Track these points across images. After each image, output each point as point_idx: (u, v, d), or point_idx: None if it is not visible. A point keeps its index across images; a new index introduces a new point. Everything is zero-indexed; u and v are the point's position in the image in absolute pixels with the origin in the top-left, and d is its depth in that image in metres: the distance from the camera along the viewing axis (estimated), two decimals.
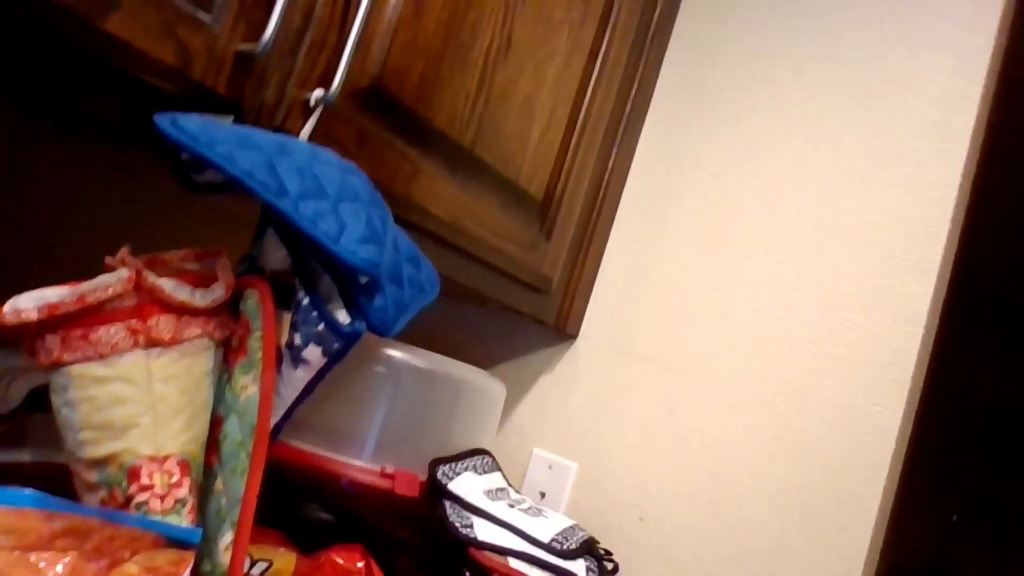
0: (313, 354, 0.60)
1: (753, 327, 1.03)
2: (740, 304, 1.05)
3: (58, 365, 0.54)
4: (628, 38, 1.09)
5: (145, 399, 0.56)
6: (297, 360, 0.61)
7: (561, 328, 1.13)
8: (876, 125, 1.02)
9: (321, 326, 0.59)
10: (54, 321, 0.54)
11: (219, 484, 0.61)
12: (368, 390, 0.88)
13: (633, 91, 1.14)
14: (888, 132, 1.01)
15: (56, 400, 0.56)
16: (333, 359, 0.60)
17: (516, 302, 1.05)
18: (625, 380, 1.10)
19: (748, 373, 1.02)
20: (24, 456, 0.70)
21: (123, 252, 0.56)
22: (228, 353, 0.63)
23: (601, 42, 1.04)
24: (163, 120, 0.50)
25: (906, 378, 0.93)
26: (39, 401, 0.78)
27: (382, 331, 0.61)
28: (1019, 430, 2.44)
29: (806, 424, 0.97)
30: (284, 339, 0.61)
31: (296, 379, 0.61)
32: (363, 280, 0.61)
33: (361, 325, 0.60)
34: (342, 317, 0.60)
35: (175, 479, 0.57)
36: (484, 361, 1.21)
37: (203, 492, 0.61)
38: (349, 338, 0.59)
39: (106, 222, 1.00)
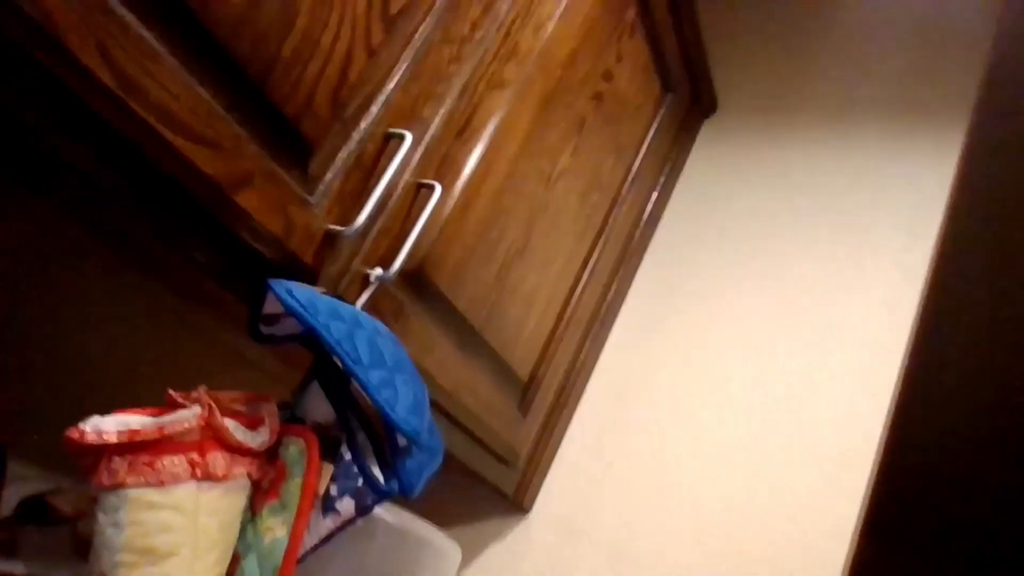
0: (346, 506, 0.65)
1: (700, 522, 1.12)
2: (688, 499, 1.14)
3: (118, 487, 0.58)
4: (615, 250, 1.25)
5: (190, 529, 0.60)
6: (328, 509, 0.66)
7: (518, 501, 1.19)
8: (818, 360, 1.18)
9: (360, 482, 0.65)
10: (127, 446, 0.58)
11: None
12: (338, 542, 0.91)
13: (610, 295, 1.29)
14: (825, 368, 1.17)
15: (103, 520, 0.59)
16: (361, 513, 0.66)
17: (483, 470, 1.11)
18: (574, 560, 1.16)
19: (692, 564, 1.10)
20: (18, 568, 0.70)
21: (201, 390, 0.62)
22: (256, 494, 0.68)
23: (593, 252, 1.20)
24: (280, 289, 0.59)
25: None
26: (30, 513, 0.80)
27: (409, 492, 0.68)
28: None
29: None
30: (322, 489, 0.66)
31: (322, 527, 0.66)
32: (402, 443, 0.68)
33: (395, 484, 0.66)
34: (377, 474, 0.66)
35: None
36: (439, 519, 1.25)
37: None
38: (384, 495, 0.65)
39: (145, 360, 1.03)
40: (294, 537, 0.63)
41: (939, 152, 1.28)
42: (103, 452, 0.59)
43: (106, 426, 0.58)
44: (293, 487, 0.65)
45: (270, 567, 0.63)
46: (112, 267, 0.94)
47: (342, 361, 0.60)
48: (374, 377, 0.63)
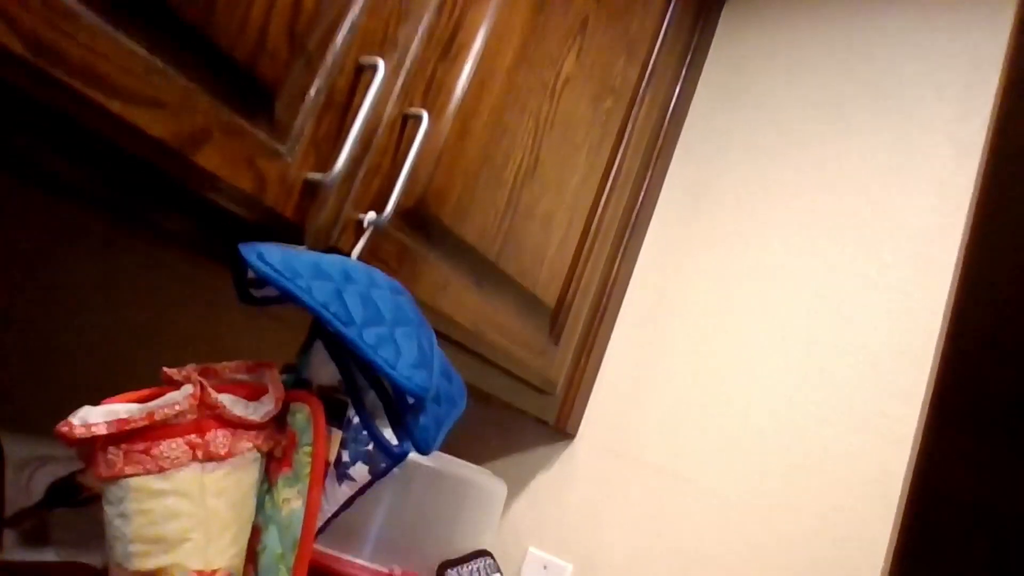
0: (360, 472, 0.62)
1: (748, 439, 1.07)
2: (735, 415, 1.09)
3: (118, 478, 0.56)
4: (638, 157, 1.16)
5: (198, 513, 0.57)
6: (343, 476, 0.63)
7: (561, 428, 1.16)
8: (866, 252, 1.09)
9: (371, 445, 0.62)
10: (120, 435, 0.55)
11: None
12: (377, 489, 0.89)
13: (638, 205, 1.21)
14: (877, 259, 1.09)
15: (110, 511, 0.57)
16: (377, 477, 0.63)
17: (521, 402, 1.08)
18: (622, 482, 1.13)
19: (742, 483, 1.06)
20: (48, 555, 0.70)
21: (189, 369, 0.58)
22: (270, 463, 0.65)
23: (614, 161, 1.11)
24: (250, 253, 0.54)
25: (893, 496, 0.98)
26: (60, 495, 0.79)
27: (425, 451, 0.64)
28: (1007, 537, 2.50)
29: (798, 537, 1.01)
30: (332, 455, 0.63)
31: (339, 494, 0.63)
32: (411, 401, 0.63)
33: (408, 445, 0.62)
34: (389, 436, 0.63)
35: None
36: (483, 456, 1.24)
37: None
38: (397, 458, 0.62)
39: (144, 323, 1.01)
40: (310, 509, 0.61)
41: (992, 5, 1.14)
42: (97, 444, 0.56)
43: (94, 417, 0.55)
44: (303, 456, 0.62)
45: (290, 539, 0.61)
46: (112, 239, 0.90)
47: (330, 325, 0.56)
48: (370, 336, 0.58)
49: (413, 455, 0.91)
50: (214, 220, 0.64)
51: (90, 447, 0.56)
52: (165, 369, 0.60)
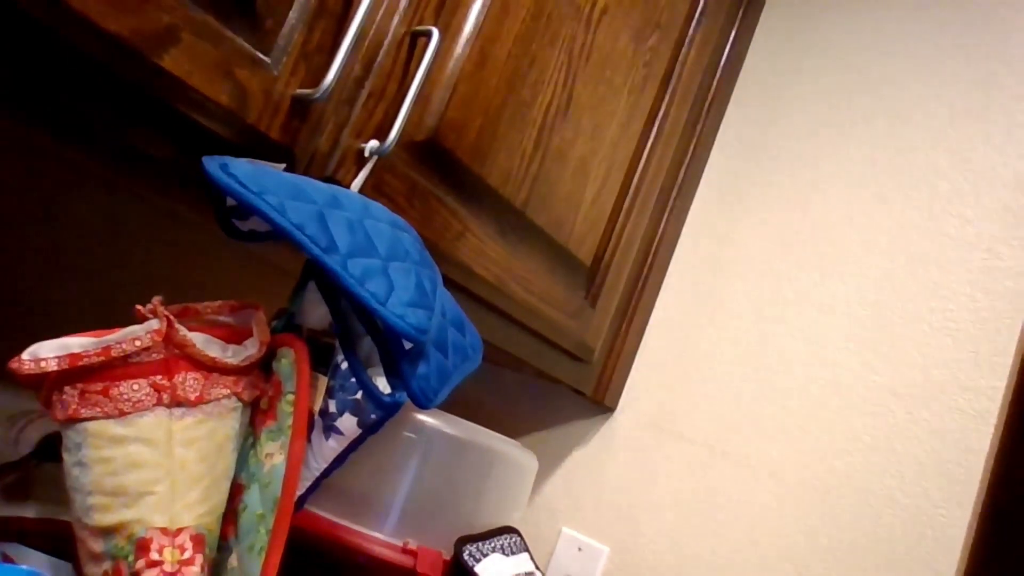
0: (347, 424, 0.55)
1: (806, 413, 0.97)
2: (793, 387, 0.98)
3: (73, 421, 0.50)
4: (686, 105, 1.06)
5: (163, 464, 0.51)
6: (330, 429, 0.56)
7: (599, 400, 1.07)
8: (944, 208, 0.97)
9: (359, 394, 0.54)
10: (75, 373, 0.49)
11: (234, 560, 0.55)
12: (395, 456, 0.82)
13: (688, 158, 1.10)
14: (957, 216, 0.96)
15: (68, 459, 0.51)
16: (368, 431, 0.55)
17: (555, 370, 1.00)
18: (665, 460, 1.04)
19: (799, 462, 0.95)
20: (28, 511, 0.65)
21: (155, 302, 0.52)
22: (256, 415, 0.58)
23: (660, 107, 1.01)
24: (212, 164, 0.47)
25: (974, 479, 0.86)
26: (51, 450, 0.74)
27: (423, 403, 0.56)
28: None
29: (861, 522, 0.89)
30: (318, 405, 0.56)
31: (327, 449, 0.56)
32: (407, 346, 0.56)
33: (402, 395, 0.55)
34: (382, 385, 0.55)
35: (187, 555, 0.51)
36: (515, 428, 1.15)
37: (216, 566, 0.55)
38: (388, 409, 0.54)
39: (145, 267, 0.96)
40: (291, 464, 0.54)
41: None
42: (49, 382, 0.50)
43: (44, 352, 0.49)
44: (286, 405, 0.55)
45: (270, 497, 0.54)
46: (113, 182, 0.86)
47: (305, 249, 0.48)
48: (355, 267, 0.51)
49: (433, 421, 0.84)
50: (195, 142, 0.58)
51: (42, 386, 0.50)
52: (138, 307, 0.54)
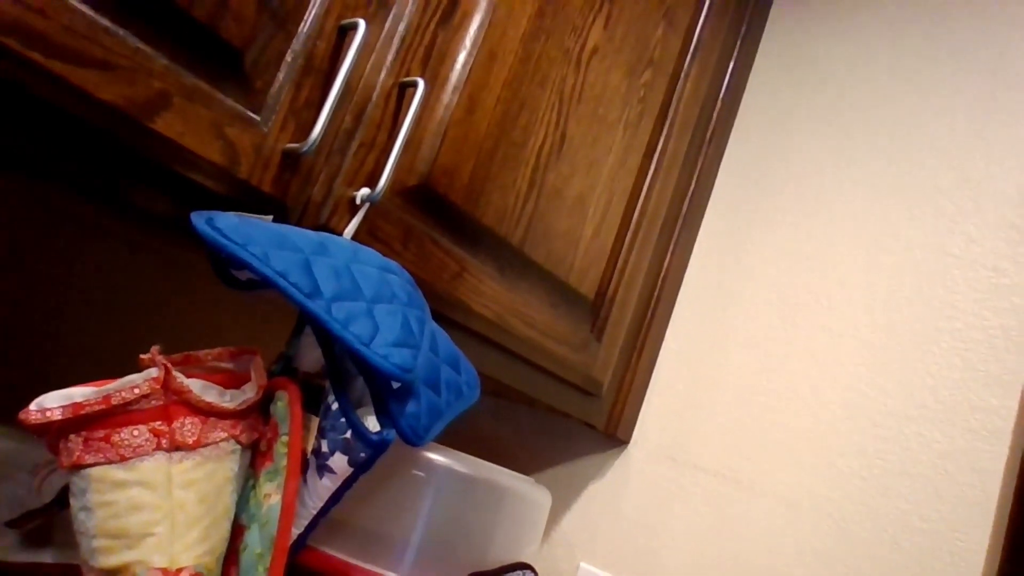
0: (339, 463, 0.56)
1: (819, 439, 0.96)
2: (804, 413, 0.98)
3: (78, 467, 0.52)
4: (686, 137, 1.07)
5: (163, 506, 0.53)
6: (323, 468, 0.57)
7: (612, 433, 1.07)
8: (949, 227, 0.96)
9: (348, 433, 0.56)
10: (78, 421, 0.52)
11: None
12: (405, 495, 0.83)
13: (691, 189, 1.12)
14: (962, 234, 0.95)
15: (75, 504, 0.53)
16: (360, 469, 0.57)
17: (565, 405, 1.00)
18: (681, 491, 1.03)
19: (814, 489, 0.94)
20: (46, 556, 0.68)
21: (154, 351, 0.54)
22: (256, 457, 0.60)
23: (658, 140, 1.03)
24: (199, 219, 0.50)
25: (990, 502, 0.84)
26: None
27: (413, 440, 0.58)
28: None
29: (879, 549, 0.88)
30: (311, 445, 0.58)
31: (321, 488, 0.58)
32: (395, 385, 0.58)
33: (390, 434, 0.56)
34: (371, 424, 0.57)
35: None
36: (530, 464, 1.16)
37: None
38: (376, 447, 0.56)
39: (146, 316, 1.00)
40: (286, 503, 0.56)
41: None
42: (55, 431, 0.53)
43: (49, 402, 0.52)
44: (281, 446, 0.57)
45: (268, 536, 0.56)
46: (109, 230, 0.90)
47: (288, 296, 0.51)
48: (339, 310, 0.53)
49: (440, 458, 0.85)
50: (191, 198, 0.61)
51: (49, 434, 0.53)
52: (141, 356, 0.57)
